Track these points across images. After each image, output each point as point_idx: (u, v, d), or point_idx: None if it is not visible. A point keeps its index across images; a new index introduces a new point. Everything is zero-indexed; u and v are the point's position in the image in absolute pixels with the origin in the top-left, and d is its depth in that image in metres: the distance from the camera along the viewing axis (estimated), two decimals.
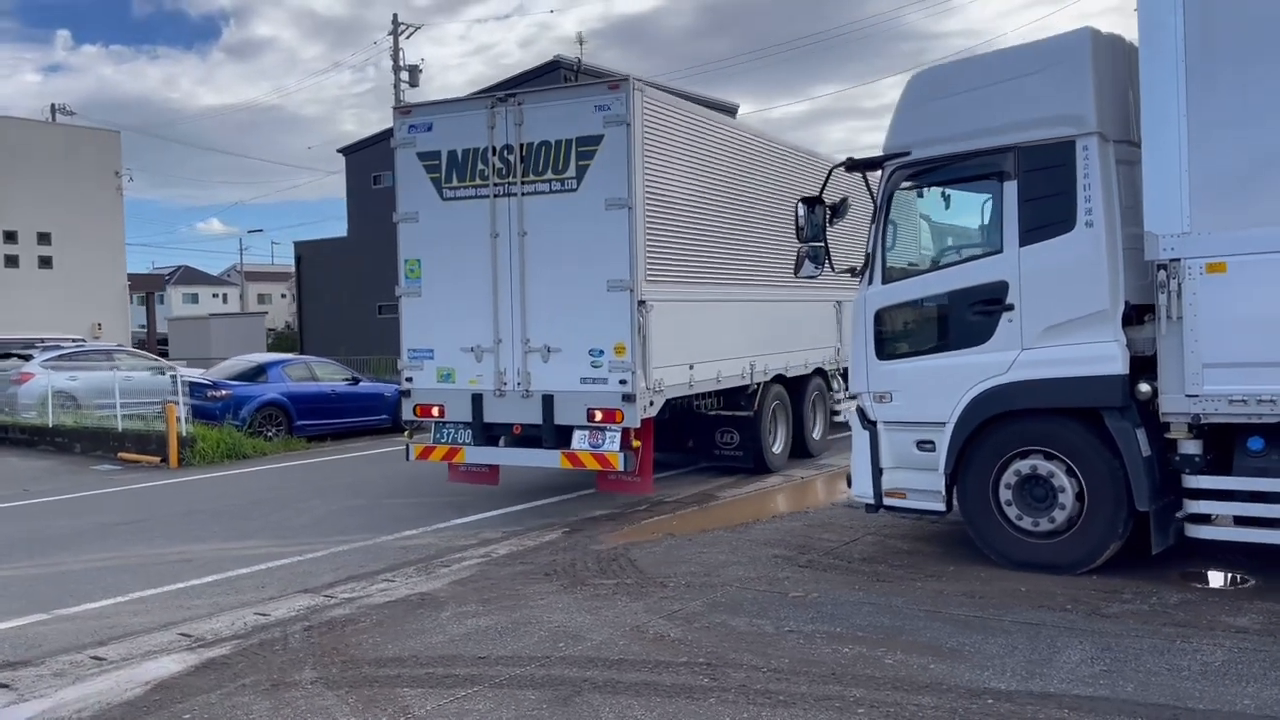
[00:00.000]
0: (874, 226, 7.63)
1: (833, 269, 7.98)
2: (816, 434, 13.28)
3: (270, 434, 16.70)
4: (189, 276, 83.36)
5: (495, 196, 9.37)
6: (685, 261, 10.04)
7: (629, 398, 8.94)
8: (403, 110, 9.99)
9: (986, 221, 7.30)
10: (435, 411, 9.76)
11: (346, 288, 34.21)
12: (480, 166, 9.41)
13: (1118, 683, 4.92)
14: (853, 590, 6.77)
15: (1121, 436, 6.58)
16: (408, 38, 47.65)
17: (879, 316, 7.59)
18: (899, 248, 7.66)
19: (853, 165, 7.72)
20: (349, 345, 28.26)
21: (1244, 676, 4.93)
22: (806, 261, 7.93)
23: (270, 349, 39.08)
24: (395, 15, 48.32)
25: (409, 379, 9.89)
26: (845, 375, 14.07)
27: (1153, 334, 6.53)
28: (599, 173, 8.93)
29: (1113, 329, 6.64)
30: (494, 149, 9.35)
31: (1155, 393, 6.50)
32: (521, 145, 9.25)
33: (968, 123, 7.14)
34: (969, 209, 7.55)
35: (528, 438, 9.54)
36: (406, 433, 10.28)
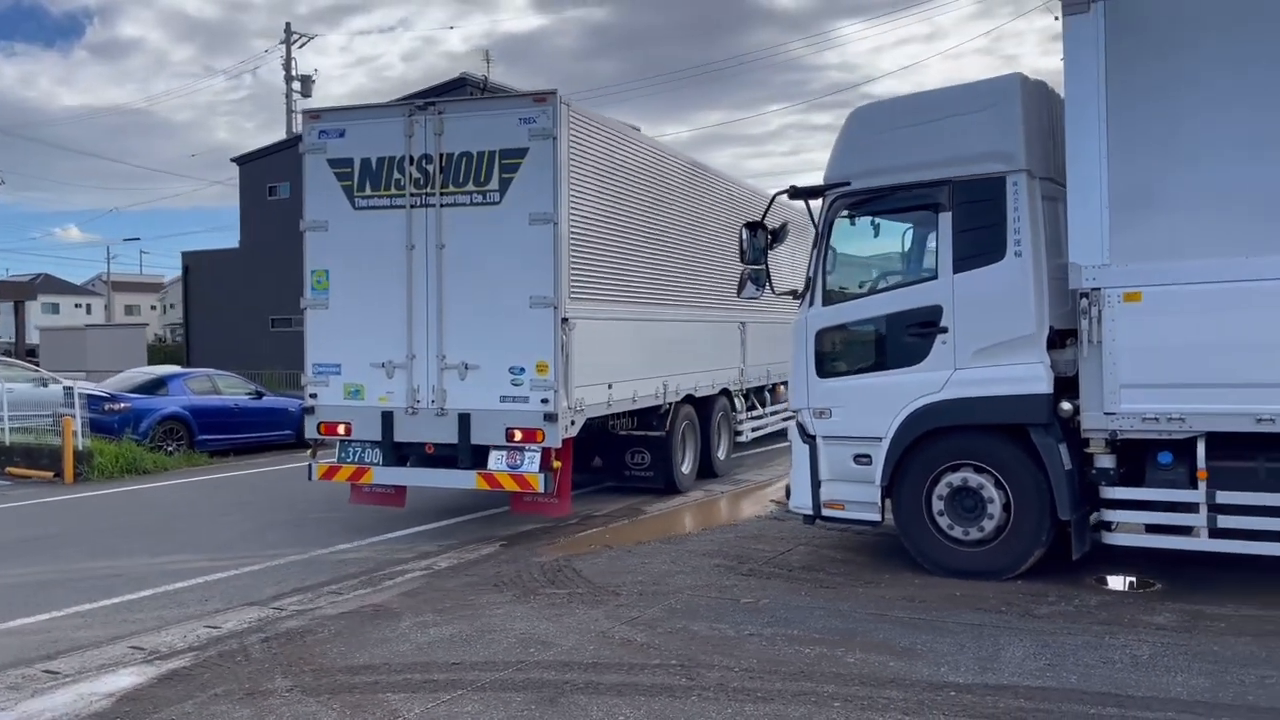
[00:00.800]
0: (815, 251, 8.04)
1: (774, 291, 8.36)
2: (721, 454, 13.31)
3: (171, 449, 16.21)
4: (49, 285, 79.40)
5: (412, 207, 9.15)
6: (606, 279, 10.01)
7: (551, 417, 8.77)
8: (312, 115, 9.67)
9: (922, 249, 7.79)
10: (341, 429, 9.36)
11: (238, 300, 33.31)
12: (396, 176, 9.17)
13: (1061, 674, 5.35)
14: (800, 596, 7.10)
15: (1046, 451, 7.10)
16: (300, 47, 46.94)
17: (819, 337, 7.98)
18: (839, 272, 8.09)
19: (795, 193, 8.12)
20: (239, 360, 27.47)
21: (1171, 668, 5.43)
22: (749, 283, 8.30)
23: (150, 363, 37.60)
24: (288, 24, 47.81)
25: (313, 395, 9.47)
26: (749, 395, 14.56)
27: (1074, 356, 7.08)
28: (523, 186, 8.80)
29: (1038, 352, 7.18)
30: (411, 158, 9.12)
31: (1076, 411, 7.05)
32: (441, 155, 9.05)
33: (906, 156, 7.61)
34: (906, 237, 8.03)
35: (440, 457, 9.27)
36: (310, 451, 9.77)
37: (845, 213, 7.97)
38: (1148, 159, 6.75)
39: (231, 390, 17.91)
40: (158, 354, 43.19)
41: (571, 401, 9.04)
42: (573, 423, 9.14)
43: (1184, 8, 6.73)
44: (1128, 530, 7.20)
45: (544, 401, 8.77)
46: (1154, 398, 6.76)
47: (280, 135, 42.33)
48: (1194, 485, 6.72)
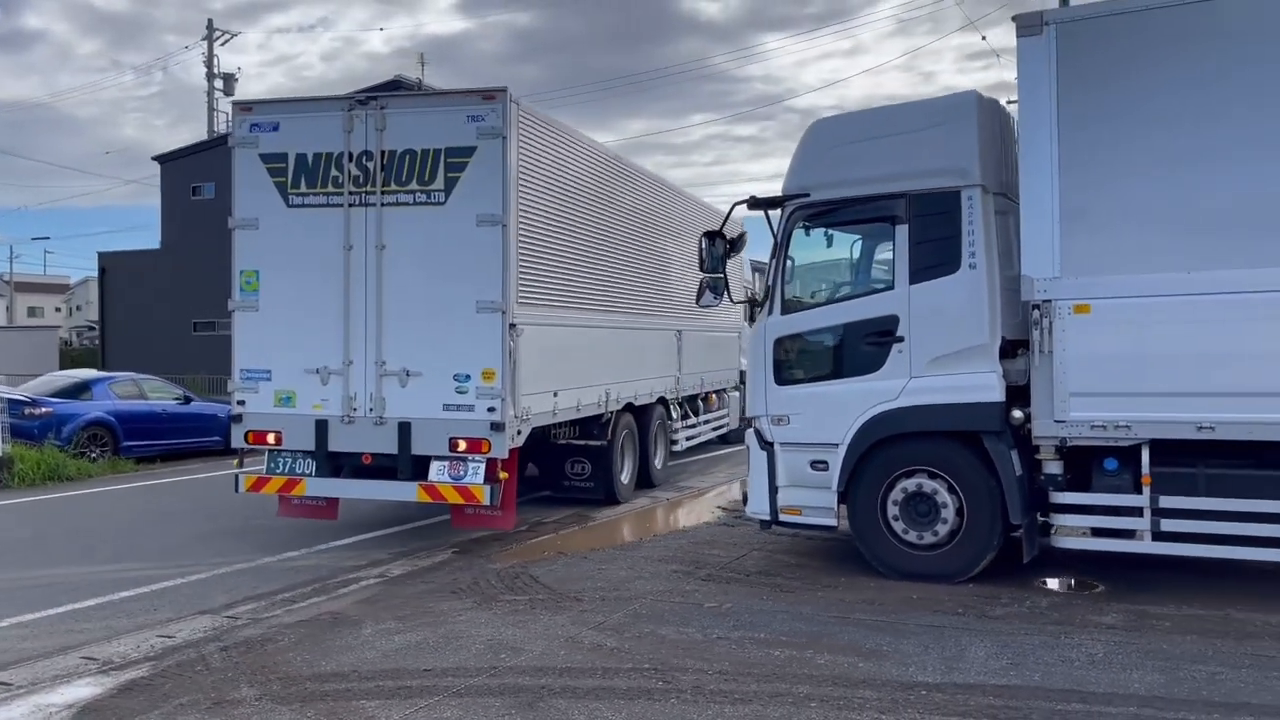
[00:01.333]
0: (774, 261, 8.17)
1: (731, 300, 8.47)
2: (659, 463, 13.17)
3: (95, 455, 15.70)
4: None
5: (351, 206, 8.75)
6: (554, 284, 9.76)
7: (498, 426, 8.44)
8: (244, 107, 9.14)
9: (879, 260, 7.97)
10: (271, 439, 8.91)
11: (159, 303, 32.37)
12: (334, 173, 8.76)
13: (1025, 673, 5.53)
14: (761, 600, 7.20)
15: (998, 457, 7.33)
16: (222, 44, 45.91)
17: (778, 344, 8.11)
18: (797, 281, 8.24)
19: (755, 203, 8.25)
20: (160, 364, 26.67)
21: (1126, 665, 5.65)
22: (707, 291, 8.40)
23: (61, 366, 36.30)
24: (210, 21, 46.48)
25: (241, 402, 8.98)
26: (683, 404, 14.57)
27: (1026, 366, 7.32)
28: (470, 186, 8.48)
29: (991, 361, 7.40)
30: (351, 154, 8.73)
31: (1027, 418, 7.29)
32: (383, 153, 8.67)
33: (864, 169, 7.80)
34: (864, 248, 8.21)
35: (378, 468, 8.85)
36: (236, 461, 9.39)
37: (804, 223, 8.12)
38: (1096, 176, 7.03)
39: (158, 395, 17.42)
40: (66, 358, 41.76)
41: (518, 410, 8.74)
42: (519, 432, 8.86)
43: (1128, 33, 7.01)
44: (1075, 534, 7.46)
45: (490, 410, 8.46)
46: (1102, 406, 7.02)
47: (200, 134, 41.37)
48: (1139, 490, 7.00)
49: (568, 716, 4.99)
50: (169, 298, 32.19)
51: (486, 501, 8.51)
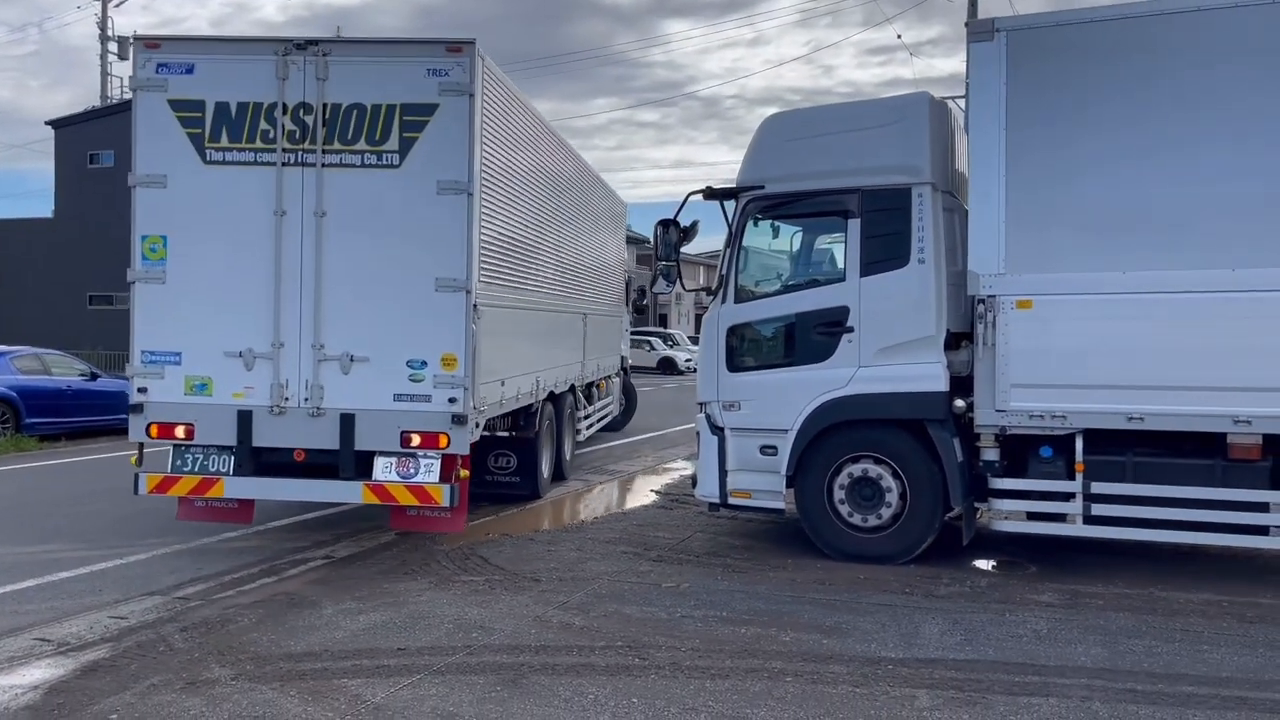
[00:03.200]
0: (727, 250, 8.36)
1: (684, 288, 8.63)
2: (568, 454, 12.42)
3: (4, 431, 15.04)
4: None
5: (285, 165, 7.67)
6: (511, 262, 9.05)
7: (459, 419, 7.56)
8: (150, 43, 7.82)
9: (831, 252, 8.23)
10: (180, 432, 7.74)
11: (51, 274, 30.97)
12: (264, 126, 7.66)
13: (979, 648, 5.85)
14: (715, 580, 7.40)
15: (941, 444, 7.66)
16: (117, 6, 44.01)
17: (730, 332, 8.30)
18: (750, 271, 8.44)
19: (710, 194, 8.41)
20: (53, 338, 25.53)
21: (1071, 639, 6.02)
22: (660, 279, 8.55)
23: None
24: None
25: (142, 390, 7.76)
26: (587, 390, 14.04)
27: (969, 357, 7.67)
28: (430, 148, 7.59)
29: (937, 352, 7.73)
30: (285, 106, 7.63)
31: (970, 408, 7.64)
32: (325, 106, 7.63)
33: (818, 163, 8.03)
34: (816, 240, 8.46)
35: (312, 466, 7.88)
36: (133, 458, 8.11)
37: (758, 215, 8.32)
38: (1039, 177, 7.39)
39: (62, 371, 16.76)
40: None
41: (477, 400, 7.89)
42: (478, 425, 8.04)
43: (1073, 41, 7.38)
44: (1011, 518, 7.86)
45: (451, 401, 7.59)
46: (1040, 397, 7.41)
47: (83, 96, 39.59)
48: (1072, 477, 7.41)
49: (552, 692, 5.09)
50: (63, 269, 30.85)
51: (445, 503, 7.62)
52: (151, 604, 6.77)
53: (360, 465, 7.73)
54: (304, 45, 7.71)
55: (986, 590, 7.20)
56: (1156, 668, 5.53)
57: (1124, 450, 7.34)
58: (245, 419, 7.76)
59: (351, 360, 7.73)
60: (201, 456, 7.85)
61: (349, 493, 7.79)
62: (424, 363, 7.65)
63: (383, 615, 6.45)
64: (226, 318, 7.78)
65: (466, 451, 7.79)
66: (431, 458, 7.65)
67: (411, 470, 7.68)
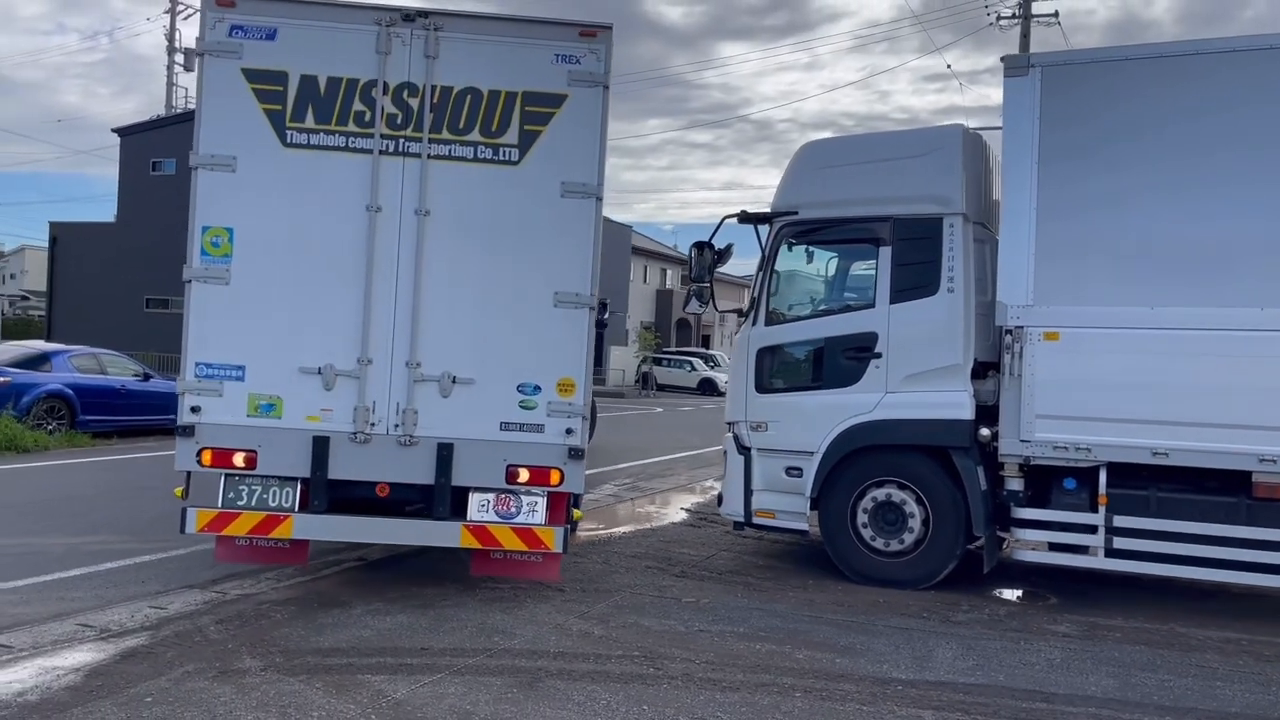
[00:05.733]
0: (760, 274, 8.52)
1: (716, 308, 8.80)
2: None
3: (52, 427, 15.56)
4: None
5: (382, 153, 6.71)
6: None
7: (577, 453, 6.69)
8: (223, 0, 6.76)
9: (862, 279, 8.35)
10: (239, 460, 6.64)
11: (111, 277, 31.87)
12: (358, 107, 6.67)
13: (990, 674, 5.92)
14: (736, 598, 7.52)
15: (965, 472, 7.73)
16: (185, 19, 45.29)
17: (760, 354, 8.46)
18: (781, 295, 8.59)
19: (745, 218, 8.59)
20: (110, 339, 26.26)
21: (1083, 670, 6.07)
22: (693, 299, 8.72)
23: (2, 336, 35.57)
24: None
25: (195, 408, 6.66)
26: None
27: (995, 387, 7.74)
28: (556, 144, 6.72)
29: (963, 380, 7.81)
30: (385, 85, 6.67)
31: (994, 436, 7.70)
32: (435, 89, 6.70)
33: (852, 191, 8.18)
34: (847, 267, 8.59)
35: (393, 502, 6.88)
36: (178, 490, 6.89)
37: (791, 240, 8.48)
38: (1071, 210, 7.47)
39: (117, 370, 17.29)
40: (11, 327, 40.86)
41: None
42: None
43: (1106, 78, 7.46)
44: (1033, 548, 7.90)
45: (568, 433, 6.70)
46: (1065, 429, 7.46)
47: (151, 103, 40.74)
48: (1095, 509, 7.44)
49: (567, 696, 5.25)
50: (122, 272, 31.75)
51: (557, 549, 6.67)
52: (191, 596, 7.03)
53: (456, 503, 6.79)
54: (412, 17, 6.77)
55: (1004, 619, 7.25)
56: (1166, 701, 5.57)
57: (1148, 485, 7.36)
58: (321, 446, 6.65)
59: (453, 382, 6.74)
60: (260, 489, 6.73)
61: (444, 535, 6.76)
62: (537, 388, 6.74)
63: (409, 616, 6.65)
64: (302, 328, 6.73)
65: (581, 490, 7.07)
66: (535, 495, 6.74)
67: (513, 509, 6.75)
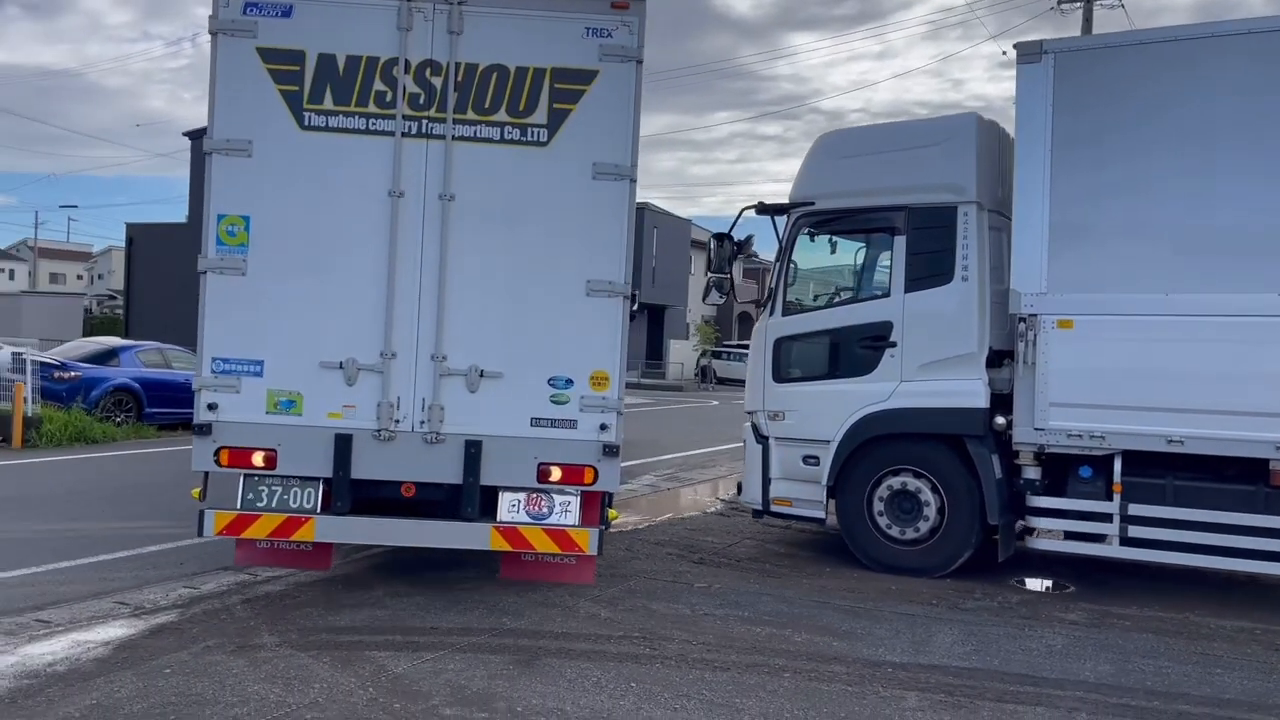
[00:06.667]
0: (777, 264, 8.61)
1: (735, 299, 8.90)
2: None
3: (119, 420, 16.26)
4: None
5: (405, 135, 6.41)
6: None
7: (612, 450, 6.41)
8: None
9: (877, 268, 8.40)
10: (258, 459, 6.42)
11: (182, 276, 32.86)
12: (379, 87, 6.39)
13: (985, 658, 5.97)
14: (749, 584, 7.64)
15: (980, 460, 7.74)
16: None
17: (778, 344, 8.55)
18: (798, 284, 8.68)
19: (763, 209, 8.68)
20: (181, 336, 27.18)
21: (1081, 655, 6.08)
22: (713, 290, 8.85)
23: (84, 334, 37.05)
24: None
25: (212, 405, 6.40)
26: None
27: (1010, 375, 7.74)
28: (586, 124, 6.41)
29: (978, 369, 7.82)
30: (407, 63, 6.39)
31: (1009, 425, 7.70)
32: (458, 66, 6.40)
33: (867, 181, 8.22)
34: (863, 256, 8.64)
35: (419, 502, 6.58)
36: (196, 491, 6.70)
37: (808, 230, 8.55)
38: (1084, 197, 7.42)
39: (182, 365, 17.90)
40: (89, 325, 42.52)
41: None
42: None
43: (1119, 63, 7.40)
44: (1049, 536, 7.87)
45: (603, 428, 6.42)
46: (1079, 416, 7.43)
47: None
48: (1110, 498, 7.41)
49: (559, 673, 5.44)
50: (192, 270, 32.60)
51: (591, 551, 6.43)
52: (224, 578, 7.38)
53: (485, 503, 6.50)
54: None
55: (1015, 606, 7.25)
56: (1160, 686, 5.57)
57: (1163, 473, 7.30)
58: (344, 445, 6.39)
59: (481, 376, 6.44)
60: (280, 489, 6.50)
61: (473, 537, 6.46)
62: (569, 381, 6.45)
63: (426, 598, 6.91)
64: (323, 320, 6.45)
65: (616, 489, 6.76)
66: (569, 494, 6.46)
67: (544, 510, 6.48)
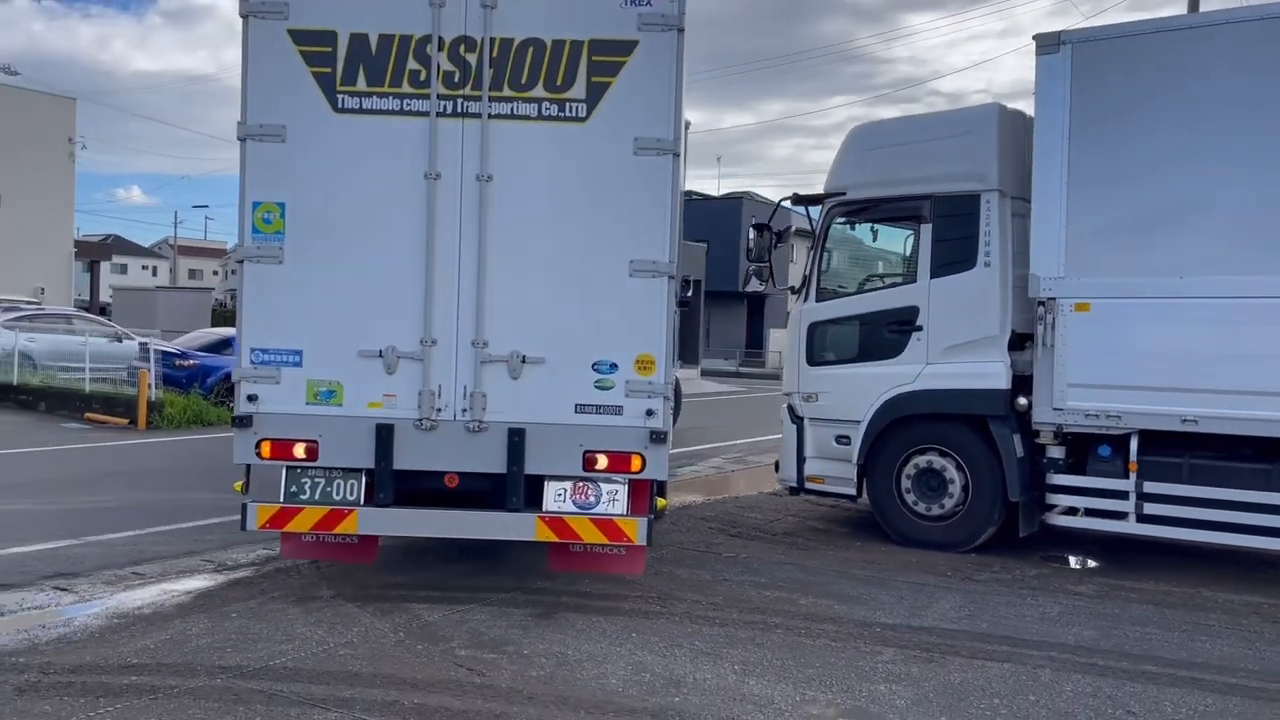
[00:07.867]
0: (812, 252, 9.02)
1: (774, 286, 9.36)
2: None
3: (232, 404, 17.54)
4: (119, 246, 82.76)
5: (440, 115, 6.19)
6: None
7: (659, 436, 6.19)
8: None
9: (905, 255, 8.73)
10: (300, 451, 6.27)
11: None
12: (413, 66, 6.18)
13: (975, 622, 6.33)
14: (774, 555, 8.12)
15: (1002, 440, 8.03)
16: None
17: (811, 329, 8.97)
18: (831, 271, 9.07)
19: (798, 199, 9.11)
20: None
21: (1072, 622, 6.38)
22: (753, 278, 9.31)
23: (213, 325, 39.41)
24: None
25: (252, 397, 6.33)
26: None
27: (1030, 357, 7.99)
28: (627, 97, 6.14)
29: (1000, 351, 8.09)
30: (441, 41, 6.17)
31: (1030, 405, 7.96)
32: (493, 41, 6.17)
33: (896, 171, 8.56)
34: (892, 244, 8.98)
35: (462, 493, 6.41)
36: (238, 484, 6.60)
37: (841, 219, 8.94)
38: (1100, 182, 7.63)
39: None
40: (219, 317, 45.15)
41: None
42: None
43: (1136, 52, 7.57)
44: (1068, 514, 8.10)
45: (649, 414, 6.20)
46: (1096, 397, 7.65)
47: None
48: (1126, 476, 7.61)
49: (572, 624, 6.06)
50: None
51: (641, 541, 6.20)
52: None
53: (530, 493, 6.31)
54: None
55: (1029, 579, 7.54)
56: (1136, 650, 5.84)
57: (1179, 452, 7.48)
58: (385, 435, 6.23)
59: (523, 362, 6.26)
60: (323, 481, 6.36)
61: (519, 528, 6.27)
62: (614, 365, 6.23)
63: (474, 564, 7.60)
64: (361, 308, 6.29)
65: (665, 476, 6.51)
66: (616, 483, 6.24)
67: (591, 499, 6.26)
